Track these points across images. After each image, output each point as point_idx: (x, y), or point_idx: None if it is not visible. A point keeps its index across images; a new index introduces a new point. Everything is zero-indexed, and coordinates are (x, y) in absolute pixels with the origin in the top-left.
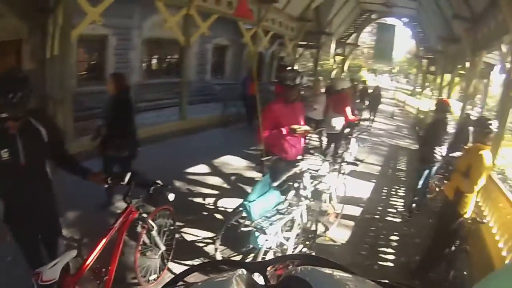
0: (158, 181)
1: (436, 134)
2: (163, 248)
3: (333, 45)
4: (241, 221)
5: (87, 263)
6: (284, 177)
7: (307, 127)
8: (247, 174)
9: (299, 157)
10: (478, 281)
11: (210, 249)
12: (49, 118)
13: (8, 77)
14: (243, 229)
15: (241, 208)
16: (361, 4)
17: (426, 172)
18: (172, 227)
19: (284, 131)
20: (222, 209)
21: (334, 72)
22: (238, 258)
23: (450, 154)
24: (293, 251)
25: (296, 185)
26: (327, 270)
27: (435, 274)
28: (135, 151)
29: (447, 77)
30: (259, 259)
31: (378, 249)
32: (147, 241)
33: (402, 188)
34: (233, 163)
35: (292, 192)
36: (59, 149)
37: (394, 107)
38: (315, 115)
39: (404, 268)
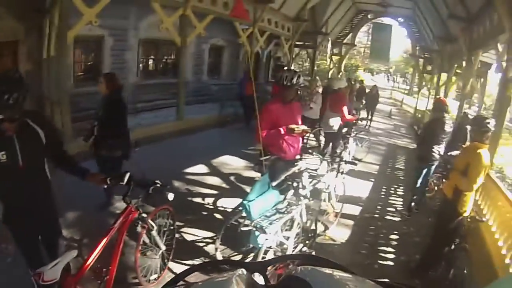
0: (157, 181)
1: (434, 133)
2: (163, 248)
3: (329, 45)
4: (241, 220)
5: (88, 263)
6: (283, 177)
7: (305, 127)
8: (246, 174)
9: (298, 156)
10: (478, 280)
11: (210, 248)
12: (47, 119)
13: (3, 78)
14: (243, 228)
15: (240, 208)
16: (357, 4)
17: (425, 170)
18: (172, 227)
19: (282, 130)
20: (222, 208)
21: (330, 72)
22: (238, 257)
23: (449, 153)
24: (293, 251)
25: (295, 184)
26: (327, 270)
27: (435, 273)
28: (128, 151)
29: (444, 76)
30: (260, 259)
31: (378, 248)
32: (147, 241)
33: (401, 187)
34: (232, 163)
35: (291, 192)
36: (57, 150)
37: (392, 106)
38: (311, 114)
39: (404, 267)
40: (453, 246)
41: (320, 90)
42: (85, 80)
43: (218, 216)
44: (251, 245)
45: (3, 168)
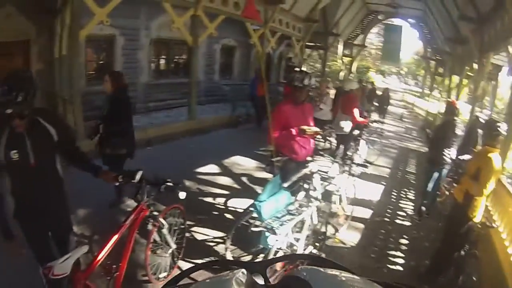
0: (169, 180)
1: (445, 136)
2: (173, 246)
3: (340, 46)
4: (252, 221)
5: (98, 258)
6: (294, 178)
7: (316, 129)
8: (257, 175)
9: (309, 158)
10: (487, 287)
11: (220, 248)
12: (58, 117)
13: (13, 76)
14: (253, 229)
15: (251, 208)
16: (368, 5)
17: (436, 174)
18: (182, 226)
19: (293, 131)
20: (232, 209)
21: (342, 73)
22: (248, 258)
23: (460, 157)
24: (303, 253)
25: (306, 186)
26: (328, 270)
27: (444, 279)
28: (133, 150)
29: (455, 78)
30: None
31: (388, 252)
32: (157, 239)
33: (412, 191)
34: (243, 163)
35: (302, 193)
36: (70, 147)
37: (403, 109)
38: (321, 115)
39: (413, 271)
40: (462, 252)
41: (331, 91)
42: (97, 79)
43: (228, 216)
44: (261, 246)
45: (15, 166)
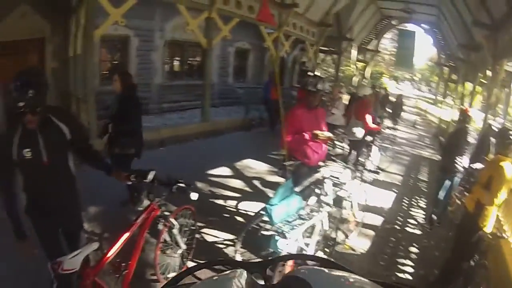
0: (181, 180)
1: (458, 143)
2: (183, 247)
3: (354, 51)
4: (262, 224)
5: (108, 256)
6: (306, 183)
7: (330, 134)
8: (269, 178)
9: (321, 163)
10: None
11: (230, 250)
12: (71, 115)
13: (25, 73)
14: (263, 232)
15: (263, 212)
16: (382, 10)
17: (447, 182)
18: (193, 227)
19: (306, 136)
20: (243, 212)
21: (355, 79)
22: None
23: (472, 165)
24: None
25: (317, 191)
26: (327, 270)
27: None
28: (141, 149)
29: (469, 85)
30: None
31: (397, 260)
32: (168, 239)
33: (423, 199)
34: (255, 166)
35: (314, 198)
36: (83, 145)
37: (416, 116)
38: (333, 120)
39: (422, 280)
40: (472, 262)
41: (343, 96)
42: (111, 79)
43: (239, 219)
44: (271, 250)
45: (28, 164)
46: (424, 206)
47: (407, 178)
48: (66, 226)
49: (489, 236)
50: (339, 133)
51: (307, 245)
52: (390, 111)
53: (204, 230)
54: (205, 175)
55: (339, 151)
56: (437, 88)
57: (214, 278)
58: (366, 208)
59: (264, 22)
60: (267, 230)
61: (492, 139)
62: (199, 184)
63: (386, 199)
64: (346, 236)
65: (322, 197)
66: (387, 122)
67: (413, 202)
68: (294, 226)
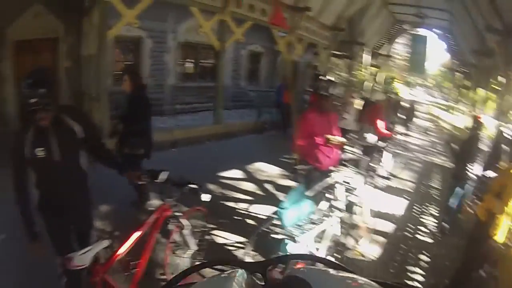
0: (193, 182)
1: (470, 150)
2: (194, 248)
3: (366, 56)
4: (273, 228)
5: (118, 253)
6: (317, 187)
7: (342, 139)
8: (280, 182)
9: (333, 168)
10: None
11: (240, 253)
12: (83, 113)
13: (37, 71)
14: (273, 235)
15: (274, 215)
16: (394, 14)
17: (459, 189)
18: (204, 228)
19: (318, 140)
20: (254, 215)
21: (367, 83)
22: None
23: (484, 174)
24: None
25: (329, 196)
26: (327, 270)
27: None
28: (150, 150)
29: (481, 91)
30: (288, 268)
31: (407, 267)
32: (178, 239)
33: (435, 207)
34: (267, 170)
35: (325, 203)
36: (95, 144)
37: (429, 122)
38: (344, 124)
39: None
40: (482, 272)
41: (355, 100)
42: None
43: (250, 221)
44: (281, 253)
45: (40, 162)
46: (436, 214)
47: (419, 185)
48: (77, 224)
49: (501, 246)
50: (351, 138)
51: (317, 249)
52: (403, 117)
53: (215, 232)
54: (216, 177)
55: (350, 156)
56: (449, 94)
57: (214, 277)
58: (377, 214)
59: (277, 26)
60: (277, 233)
61: (504, 147)
62: (211, 186)
63: (397, 205)
64: (357, 242)
65: (333, 202)
66: (399, 128)
67: (424, 210)
68: (305, 230)
